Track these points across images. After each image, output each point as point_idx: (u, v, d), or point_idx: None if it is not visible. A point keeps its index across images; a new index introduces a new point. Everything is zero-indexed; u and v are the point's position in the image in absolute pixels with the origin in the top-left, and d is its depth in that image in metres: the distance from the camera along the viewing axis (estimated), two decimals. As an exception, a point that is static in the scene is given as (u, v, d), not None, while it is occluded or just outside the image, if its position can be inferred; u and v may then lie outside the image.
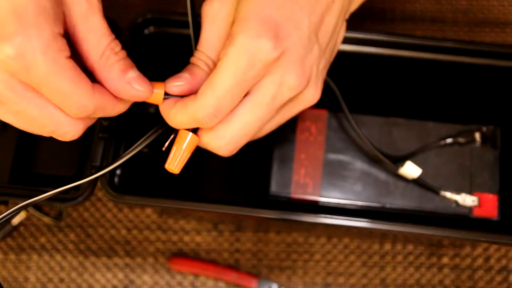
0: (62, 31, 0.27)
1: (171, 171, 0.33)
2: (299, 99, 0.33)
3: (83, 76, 0.28)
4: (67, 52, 0.27)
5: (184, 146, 0.32)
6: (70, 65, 0.27)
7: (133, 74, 0.30)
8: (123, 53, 0.30)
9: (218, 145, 0.32)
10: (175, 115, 0.31)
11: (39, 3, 0.26)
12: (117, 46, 0.30)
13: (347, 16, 0.36)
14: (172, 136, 0.33)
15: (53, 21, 0.27)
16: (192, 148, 0.32)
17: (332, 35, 0.33)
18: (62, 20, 0.28)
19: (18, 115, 0.29)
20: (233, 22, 0.31)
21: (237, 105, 0.31)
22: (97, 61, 0.29)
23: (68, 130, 0.30)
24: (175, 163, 0.32)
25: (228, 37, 0.30)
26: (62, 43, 0.27)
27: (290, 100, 0.32)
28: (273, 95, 0.30)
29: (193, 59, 0.32)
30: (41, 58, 0.26)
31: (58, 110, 0.29)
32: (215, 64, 0.32)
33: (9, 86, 0.27)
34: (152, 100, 0.31)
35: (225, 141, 0.32)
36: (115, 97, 0.30)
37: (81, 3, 0.28)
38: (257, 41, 0.28)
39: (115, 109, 0.31)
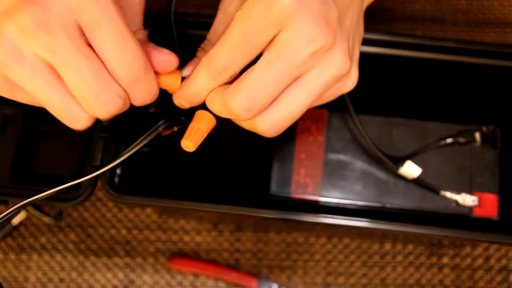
0: None
1: (186, 148, 0.32)
2: (330, 59, 0.30)
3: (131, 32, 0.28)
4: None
5: (202, 125, 0.32)
6: (120, 14, 0.28)
7: (155, 46, 0.31)
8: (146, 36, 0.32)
9: (265, 126, 0.30)
10: (194, 80, 0.31)
11: None
12: (144, 30, 0.32)
13: (364, 6, 0.36)
14: (183, 119, 0.33)
15: None
16: (209, 128, 0.32)
17: (352, 19, 0.32)
18: None
19: (67, 78, 0.28)
20: None
21: (287, 88, 0.29)
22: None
23: (110, 98, 0.29)
24: (193, 138, 0.31)
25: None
26: None
27: (315, 53, 0.29)
28: (292, 46, 0.28)
29: (198, 49, 0.33)
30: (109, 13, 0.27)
31: (104, 71, 0.28)
32: None
33: (40, 74, 0.27)
34: (171, 85, 0.32)
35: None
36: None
37: None
38: None
39: (152, 85, 0.30)
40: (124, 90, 0.29)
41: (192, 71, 0.31)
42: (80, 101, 0.28)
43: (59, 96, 0.28)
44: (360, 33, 0.35)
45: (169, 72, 0.31)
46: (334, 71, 0.30)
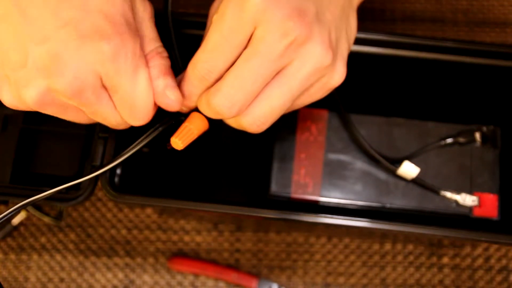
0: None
1: (174, 145, 0.33)
2: (310, 52, 0.30)
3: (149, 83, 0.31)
4: (143, 60, 0.30)
5: (193, 126, 0.33)
6: (143, 69, 0.30)
7: (171, 81, 0.31)
8: (168, 60, 0.32)
9: (248, 122, 0.31)
10: (184, 85, 0.32)
11: (126, 15, 0.29)
12: (164, 52, 0.32)
13: (354, 2, 0.35)
14: (183, 119, 0.34)
15: (136, 33, 0.30)
16: (200, 131, 0.33)
17: (341, 11, 0.32)
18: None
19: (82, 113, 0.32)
20: None
21: (267, 84, 0.30)
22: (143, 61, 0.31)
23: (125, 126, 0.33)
24: (183, 137, 0.32)
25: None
26: (140, 56, 0.30)
27: (290, 47, 0.29)
28: (265, 42, 0.28)
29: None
30: (130, 63, 0.29)
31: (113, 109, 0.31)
32: None
33: (95, 91, 0.29)
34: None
35: (253, 117, 0.30)
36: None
37: (140, 9, 0.31)
38: None
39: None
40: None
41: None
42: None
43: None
44: (348, 28, 0.34)
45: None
46: (313, 63, 0.29)
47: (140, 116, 0.31)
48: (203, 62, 0.30)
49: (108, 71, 0.28)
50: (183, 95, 0.32)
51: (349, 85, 0.44)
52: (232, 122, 0.32)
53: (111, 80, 0.29)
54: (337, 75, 0.32)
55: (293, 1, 0.28)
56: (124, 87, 0.29)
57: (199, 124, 0.33)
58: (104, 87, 0.29)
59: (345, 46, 0.33)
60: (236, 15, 0.28)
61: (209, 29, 0.30)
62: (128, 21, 0.29)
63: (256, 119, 0.31)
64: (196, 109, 0.33)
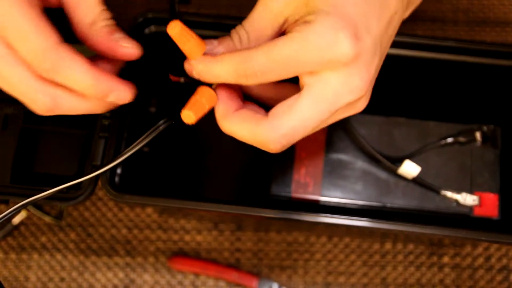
0: None
1: (187, 119, 0.30)
2: (355, 105, 0.31)
3: (41, 18, 0.28)
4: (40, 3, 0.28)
5: (204, 99, 0.31)
6: (39, 12, 0.28)
7: (120, 34, 0.30)
8: (112, 21, 0.31)
9: (271, 137, 0.29)
10: (216, 64, 0.30)
11: None
12: (107, 14, 0.31)
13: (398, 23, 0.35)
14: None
15: None
16: (211, 105, 0.31)
17: (389, 46, 0.32)
18: None
19: None
20: (291, 12, 0.29)
21: (298, 97, 0.29)
22: (88, 28, 0.30)
23: (37, 97, 0.30)
24: (195, 110, 0.30)
25: (300, 23, 0.28)
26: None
27: (349, 103, 0.29)
28: (336, 92, 0.28)
29: (232, 31, 0.31)
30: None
31: (28, 72, 0.29)
32: (250, 43, 0.31)
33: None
34: (192, 53, 0.30)
35: (279, 133, 0.29)
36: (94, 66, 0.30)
37: None
38: (337, 34, 0.27)
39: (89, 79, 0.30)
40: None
41: (219, 51, 0.30)
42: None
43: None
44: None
45: (195, 39, 0.30)
46: (352, 113, 0.31)
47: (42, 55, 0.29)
48: (256, 64, 0.28)
49: None
50: (207, 69, 0.30)
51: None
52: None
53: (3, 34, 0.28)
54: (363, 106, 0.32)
55: (370, 58, 0.28)
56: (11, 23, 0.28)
57: (210, 98, 0.31)
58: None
59: (377, 70, 0.32)
60: (320, 50, 0.27)
61: (283, 39, 0.28)
62: None
63: (288, 140, 0.30)
64: (200, 83, 0.31)
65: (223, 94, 0.31)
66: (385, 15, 0.30)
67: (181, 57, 0.34)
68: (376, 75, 0.31)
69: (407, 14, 0.35)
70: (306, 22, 0.28)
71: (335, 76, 0.28)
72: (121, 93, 0.31)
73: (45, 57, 0.28)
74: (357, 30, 0.27)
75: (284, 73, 0.28)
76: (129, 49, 0.30)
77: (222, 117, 0.31)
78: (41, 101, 0.30)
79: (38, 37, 0.28)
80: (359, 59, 0.28)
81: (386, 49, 0.31)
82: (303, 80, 0.29)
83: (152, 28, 0.44)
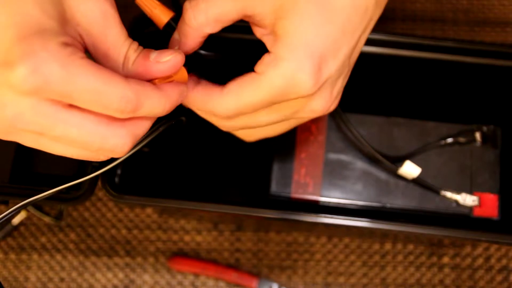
0: (69, 42, 0.26)
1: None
2: (304, 108, 0.32)
3: (106, 69, 0.26)
4: (80, 54, 0.26)
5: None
6: (88, 62, 0.26)
7: (154, 54, 0.29)
8: (140, 48, 0.29)
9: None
10: (194, 98, 0.32)
11: (40, 25, 0.25)
12: (134, 45, 0.29)
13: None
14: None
15: (56, 35, 0.25)
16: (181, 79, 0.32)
17: (359, 50, 0.33)
18: (68, 35, 0.26)
19: (60, 141, 0.27)
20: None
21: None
22: (121, 70, 0.28)
23: (115, 142, 0.27)
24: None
25: (271, 56, 0.29)
26: (72, 48, 0.26)
27: (297, 105, 0.31)
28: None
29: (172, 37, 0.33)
30: (55, 65, 0.24)
31: (98, 124, 0.26)
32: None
33: (38, 112, 0.25)
34: (159, 19, 0.33)
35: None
36: (155, 85, 0.28)
37: (98, 22, 0.27)
38: (300, 76, 0.28)
39: (163, 99, 0.28)
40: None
41: (176, 38, 0.32)
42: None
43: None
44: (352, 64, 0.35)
45: (160, 7, 0.32)
46: (311, 116, 0.33)
47: (121, 104, 0.26)
48: (228, 110, 0.30)
49: (39, 87, 0.24)
50: (189, 97, 0.32)
51: (349, 85, 0.44)
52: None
53: (53, 94, 0.25)
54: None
55: (330, 88, 0.31)
56: (74, 88, 0.25)
57: (181, 76, 0.31)
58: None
59: (343, 84, 0.34)
60: (283, 89, 0.29)
61: (251, 81, 0.30)
62: (45, 27, 0.25)
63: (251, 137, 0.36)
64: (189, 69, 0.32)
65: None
66: (359, 28, 0.30)
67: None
68: (343, 86, 0.33)
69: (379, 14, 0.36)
70: (275, 57, 0.29)
71: (295, 102, 0.31)
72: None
73: (128, 98, 0.26)
74: (322, 63, 0.29)
75: (254, 112, 0.31)
76: (172, 59, 0.29)
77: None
78: (122, 142, 0.27)
79: (113, 88, 0.26)
80: (321, 89, 0.30)
81: (355, 57, 0.33)
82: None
83: (152, 28, 0.44)
